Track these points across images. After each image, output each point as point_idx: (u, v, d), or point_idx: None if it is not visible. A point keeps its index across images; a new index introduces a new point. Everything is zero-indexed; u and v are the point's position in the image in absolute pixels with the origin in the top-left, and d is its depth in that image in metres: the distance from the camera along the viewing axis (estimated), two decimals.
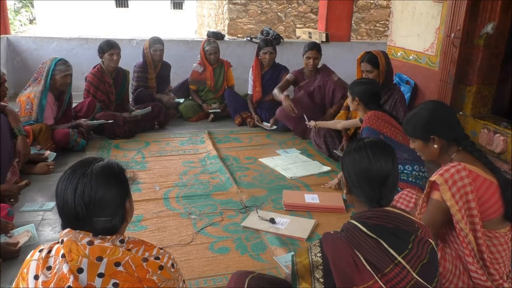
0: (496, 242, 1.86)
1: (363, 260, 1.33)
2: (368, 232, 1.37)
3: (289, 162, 3.74)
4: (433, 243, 1.42)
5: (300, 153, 3.98)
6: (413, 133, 2.02)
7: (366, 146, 1.47)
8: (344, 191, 1.56)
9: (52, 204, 2.88)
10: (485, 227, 1.84)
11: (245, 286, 1.58)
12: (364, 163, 1.45)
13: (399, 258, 1.33)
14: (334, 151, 3.74)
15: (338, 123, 3.69)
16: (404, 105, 3.52)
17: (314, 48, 4.39)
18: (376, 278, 1.31)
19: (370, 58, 3.53)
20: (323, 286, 1.36)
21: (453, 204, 1.78)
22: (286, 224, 2.68)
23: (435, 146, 1.95)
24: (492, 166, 1.89)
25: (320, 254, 1.39)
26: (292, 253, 2.32)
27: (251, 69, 4.88)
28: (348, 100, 3.21)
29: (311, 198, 2.99)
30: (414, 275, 1.33)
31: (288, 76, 4.51)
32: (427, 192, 1.91)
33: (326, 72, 4.42)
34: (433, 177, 1.85)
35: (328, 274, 1.35)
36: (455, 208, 1.78)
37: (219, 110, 4.90)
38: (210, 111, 4.91)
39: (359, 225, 1.39)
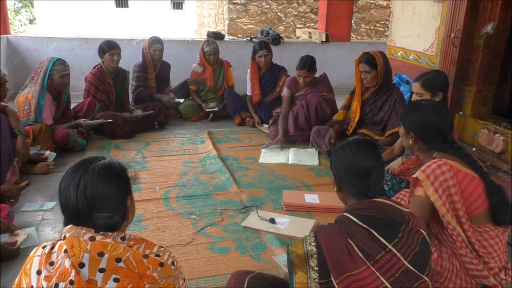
0: (487, 236, 1.88)
1: (355, 248, 1.38)
2: (360, 223, 1.42)
3: (284, 152, 3.94)
4: (424, 233, 1.46)
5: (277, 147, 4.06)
6: (401, 119, 2.15)
7: (350, 143, 1.58)
8: (335, 189, 1.63)
9: (52, 204, 2.88)
10: (473, 222, 1.88)
11: (245, 286, 1.58)
12: (349, 159, 1.54)
13: (390, 246, 1.38)
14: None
15: (393, 150, 3.15)
16: (404, 104, 3.52)
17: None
18: (368, 264, 1.36)
19: (368, 59, 3.52)
20: (318, 274, 1.39)
21: (436, 198, 1.82)
22: (286, 224, 2.68)
23: (410, 142, 2.08)
24: (480, 170, 1.93)
25: (315, 244, 1.43)
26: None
27: (248, 70, 4.87)
28: (425, 97, 2.70)
29: (311, 198, 2.99)
30: (405, 262, 1.37)
31: (285, 92, 4.31)
32: (411, 190, 1.95)
33: (323, 86, 4.24)
34: (415, 174, 1.90)
35: (323, 263, 1.39)
36: (439, 202, 1.82)
37: (216, 109, 4.89)
38: (207, 110, 4.89)
39: (351, 216, 1.45)
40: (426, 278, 1.40)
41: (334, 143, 3.70)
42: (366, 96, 3.71)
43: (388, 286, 1.34)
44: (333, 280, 1.35)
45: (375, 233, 1.39)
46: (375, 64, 3.50)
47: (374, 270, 1.35)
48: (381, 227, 1.40)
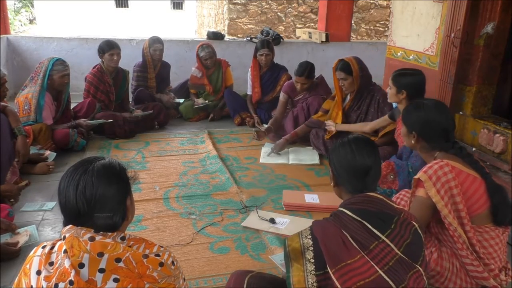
0: (488, 236, 1.88)
1: (350, 239, 1.41)
2: (354, 216, 1.46)
3: (283, 152, 3.92)
4: (416, 225, 1.50)
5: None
6: (403, 118, 2.15)
7: (350, 142, 1.60)
8: (332, 184, 1.66)
9: (52, 204, 2.88)
10: (474, 222, 1.88)
11: (245, 286, 1.59)
12: (348, 156, 1.57)
13: (383, 237, 1.42)
14: None
15: (365, 126, 3.50)
16: (388, 103, 3.51)
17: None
18: (363, 254, 1.39)
19: (343, 66, 3.54)
20: (314, 266, 1.42)
21: (438, 199, 1.83)
22: (286, 224, 2.69)
23: (412, 142, 2.09)
24: (482, 170, 1.93)
25: (310, 236, 1.46)
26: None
27: (249, 69, 4.87)
28: (392, 91, 2.97)
29: (311, 198, 2.99)
30: (398, 251, 1.41)
31: (282, 97, 4.32)
32: (413, 191, 1.96)
33: (321, 88, 4.25)
34: (417, 175, 1.91)
35: (319, 255, 1.42)
36: (441, 203, 1.83)
37: (202, 105, 4.87)
38: (195, 106, 4.87)
39: (345, 210, 1.50)
40: (419, 268, 1.44)
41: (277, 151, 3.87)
42: (349, 104, 3.71)
43: (382, 274, 1.37)
44: (329, 270, 1.38)
45: (368, 225, 1.43)
46: (351, 70, 3.51)
47: (369, 259, 1.38)
48: (374, 219, 1.44)
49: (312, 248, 1.43)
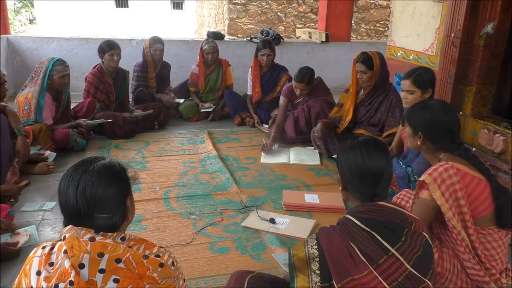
0: (491, 238, 1.87)
1: (357, 252, 1.36)
2: (362, 226, 1.40)
3: (284, 152, 3.96)
4: (427, 236, 1.44)
5: (279, 146, 4.09)
6: (408, 118, 2.11)
7: (360, 144, 1.51)
8: (340, 188, 1.59)
9: (52, 204, 2.88)
10: (478, 224, 1.86)
11: (245, 286, 1.58)
12: (358, 161, 1.48)
13: (393, 250, 1.36)
14: (333, 156, 3.73)
15: (391, 150, 3.13)
16: (400, 105, 3.50)
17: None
18: (371, 268, 1.34)
19: (365, 59, 3.52)
20: (319, 278, 1.38)
21: (443, 202, 1.81)
22: (286, 224, 2.69)
23: (418, 142, 2.04)
24: (487, 172, 1.91)
25: (316, 247, 1.42)
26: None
27: (250, 69, 4.88)
28: (417, 94, 2.78)
29: (311, 198, 2.99)
30: (408, 266, 1.35)
31: (282, 101, 4.28)
32: (416, 193, 1.94)
33: (320, 90, 4.25)
34: (422, 177, 1.88)
35: (324, 266, 1.38)
36: (446, 206, 1.81)
37: (210, 110, 4.90)
38: (202, 110, 4.89)
39: (353, 219, 1.43)
40: (429, 282, 1.39)
41: (320, 137, 3.79)
42: (362, 98, 3.70)
43: None
44: (335, 285, 1.34)
45: (378, 236, 1.37)
46: (372, 64, 3.50)
47: (377, 274, 1.33)
48: (384, 231, 1.38)
49: (318, 259, 1.39)
